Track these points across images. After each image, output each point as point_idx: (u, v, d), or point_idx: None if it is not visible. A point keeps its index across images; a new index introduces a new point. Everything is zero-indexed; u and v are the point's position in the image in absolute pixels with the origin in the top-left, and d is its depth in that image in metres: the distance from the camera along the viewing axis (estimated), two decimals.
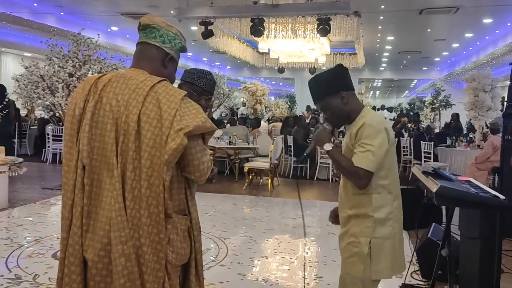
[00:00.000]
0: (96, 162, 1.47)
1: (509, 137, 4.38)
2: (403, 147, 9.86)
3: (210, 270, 3.70)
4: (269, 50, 12.98)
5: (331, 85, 1.97)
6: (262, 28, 9.03)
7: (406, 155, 9.86)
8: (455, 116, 12.53)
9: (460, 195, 2.39)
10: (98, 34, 7.52)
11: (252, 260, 4.02)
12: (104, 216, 1.44)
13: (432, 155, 8.72)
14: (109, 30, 13.41)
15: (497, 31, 12.24)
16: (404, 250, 4.53)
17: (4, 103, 7.50)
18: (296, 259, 4.13)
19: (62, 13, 11.33)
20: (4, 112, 8.13)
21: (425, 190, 2.66)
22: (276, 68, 16.26)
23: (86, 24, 11.27)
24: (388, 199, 1.92)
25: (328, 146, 1.95)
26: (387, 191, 1.92)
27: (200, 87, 2.07)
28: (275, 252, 4.29)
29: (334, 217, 2.22)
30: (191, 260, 1.59)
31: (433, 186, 2.44)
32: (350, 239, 1.95)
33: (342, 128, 2.31)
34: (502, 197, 2.39)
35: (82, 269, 1.45)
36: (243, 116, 15.56)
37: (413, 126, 11.70)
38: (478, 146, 8.68)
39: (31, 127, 11.35)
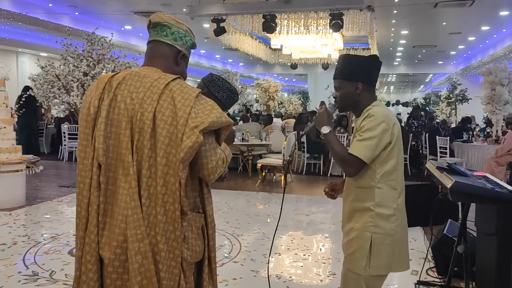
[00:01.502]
0: (112, 160, 1.47)
1: None
2: None
3: (224, 266, 3.71)
4: (281, 46, 12.92)
5: (353, 71, 1.97)
6: (274, 24, 8.99)
7: (421, 150, 9.74)
8: (416, 110, 11.88)
9: (476, 191, 2.36)
10: (112, 33, 7.58)
11: (265, 257, 4.03)
12: (120, 214, 1.45)
13: (448, 151, 8.60)
14: (122, 29, 13.52)
15: None
16: (419, 247, 4.48)
17: (21, 102, 7.66)
18: (309, 255, 4.12)
19: (76, 13, 11.47)
20: (21, 112, 8.34)
21: (440, 186, 2.63)
22: (289, 64, 16.17)
23: (100, 24, 11.39)
24: (393, 195, 1.89)
25: (326, 129, 1.95)
26: (391, 187, 1.89)
27: (226, 105, 2.03)
28: (289, 249, 4.29)
29: (330, 188, 2.18)
30: (205, 258, 1.59)
31: (447, 181, 2.41)
32: (352, 234, 1.93)
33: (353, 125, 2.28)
34: None
35: (98, 267, 1.46)
36: (257, 113, 15.56)
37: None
38: (496, 140, 8.53)
39: (47, 126, 11.56)
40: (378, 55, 13.99)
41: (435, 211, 2.85)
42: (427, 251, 3.53)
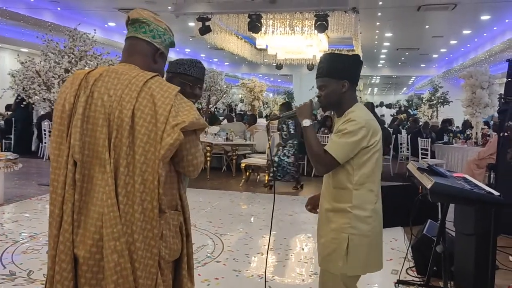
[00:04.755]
0: (88, 158, 1.45)
1: (505, 134, 4.37)
2: (400, 143, 9.87)
3: (206, 266, 3.69)
4: (267, 46, 12.94)
5: (340, 69, 1.96)
6: (259, 24, 9.00)
7: (403, 151, 9.88)
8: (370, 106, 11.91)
9: (455, 192, 2.39)
10: (95, 30, 7.47)
11: (248, 257, 4.02)
12: (96, 212, 1.43)
13: (429, 152, 8.73)
14: (106, 25, 13.35)
15: (495, 28, 12.22)
16: (399, 246, 4.53)
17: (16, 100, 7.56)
18: (292, 255, 4.13)
19: (59, 9, 11.27)
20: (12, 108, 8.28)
21: (420, 187, 2.66)
22: (274, 64, 16.21)
23: (83, 20, 11.19)
24: (370, 197, 1.92)
25: (307, 122, 1.96)
26: (369, 189, 1.91)
27: (193, 76, 2.05)
28: (271, 249, 4.29)
29: (312, 204, 2.26)
30: (183, 256, 1.59)
31: (427, 182, 2.44)
32: (330, 235, 1.94)
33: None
34: (496, 193, 2.39)
35: (73, 266, 1.43)
36: (241, 112, 15.54)
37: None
38: (475, 142, 8.70)
39: None
40: (362, 56, 14.14)
41: (415, 212, 2.89)
42: (407, 250, 3.57)
